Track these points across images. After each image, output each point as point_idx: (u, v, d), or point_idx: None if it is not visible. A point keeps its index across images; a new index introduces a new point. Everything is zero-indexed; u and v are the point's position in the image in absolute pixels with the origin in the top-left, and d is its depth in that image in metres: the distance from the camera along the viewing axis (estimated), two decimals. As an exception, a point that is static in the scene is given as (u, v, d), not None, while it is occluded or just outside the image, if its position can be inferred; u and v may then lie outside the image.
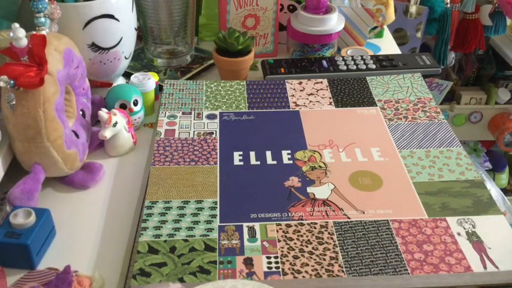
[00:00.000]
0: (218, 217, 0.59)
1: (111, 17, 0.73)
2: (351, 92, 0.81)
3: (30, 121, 0.60)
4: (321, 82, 0.83)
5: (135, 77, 0.79)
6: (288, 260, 0.54)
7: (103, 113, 0.68)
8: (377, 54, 0.96)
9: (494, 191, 1.39)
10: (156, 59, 0.93)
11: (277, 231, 0.57)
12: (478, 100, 1.65)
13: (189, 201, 0.61)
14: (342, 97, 0.80)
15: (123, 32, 0.76)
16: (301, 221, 0.59)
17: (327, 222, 0.59)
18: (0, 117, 0.63)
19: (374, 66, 0.87)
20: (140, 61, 0.94)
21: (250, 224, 0.58)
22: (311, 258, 0.54)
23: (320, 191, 0.63)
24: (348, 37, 0.98)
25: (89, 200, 0.66)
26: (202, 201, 0.61)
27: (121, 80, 0.85)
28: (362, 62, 0.88)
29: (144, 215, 0.59)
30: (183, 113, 0.76)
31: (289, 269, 0.53)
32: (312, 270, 0.53)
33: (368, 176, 0.65)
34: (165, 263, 0.53)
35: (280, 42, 0.97)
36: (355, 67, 0.86)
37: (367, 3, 0.98)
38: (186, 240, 0.56)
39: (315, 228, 0.58)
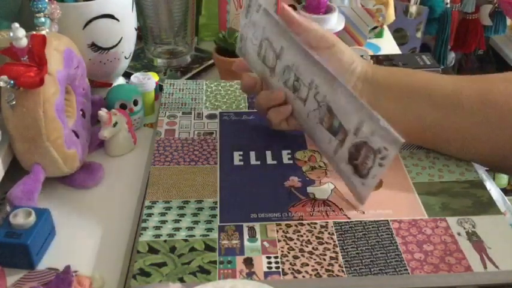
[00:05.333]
0: (218, 217, 0.59)
1: (111, 17, 0.73)
2: (351, 92, 0.81)
3: (30, 121, 0.60)
4: (321, 82, 0.83)
5: (135, 77, 0.79)
6: (288, 260, 0.54)
7: (103, 113, 0.68)
8: (377, 54, 0.96)
9: (494, 191, 1.39)
10: (156, 59, 0.93)
11: (277, 231, 0.57)
12: (478, 100, 1.65)
13: (189, 201, 0.61)
14: (342, 97, 0.80)
15: (123, 32, 0.76)
16: (301, 221, 0.59)
17: (327, 222, 0.58)
18: (0, 117, 0.63)
19: (374, 66, 0.86)
20: (140, 61, 0.94)
21: (250, 224, 0.58)
22: (311, 258, 0.54)
23: (320, 191, 0.63)
24: (348, 37, 0.98)
25: (89, 200, 0.66)
26: (202, 201, 0.61)
27: (121, 80, 0.85)
28: (362, 62, 0.87)
29: (144, 215, 0.59)
30: (183, 113, 0.76)
31: (289, 269, 0.53)
32: (312, 270, 0.53)
33: (368, 176, 0.65)
34: (165, 263, 0.53)
35: (280, 42, 0.97)
36: (355, 67, 0.86)
37: (367, 3, 0.98)
38: (186, 240, 0.56)
39: (315, 228, 0.58)
